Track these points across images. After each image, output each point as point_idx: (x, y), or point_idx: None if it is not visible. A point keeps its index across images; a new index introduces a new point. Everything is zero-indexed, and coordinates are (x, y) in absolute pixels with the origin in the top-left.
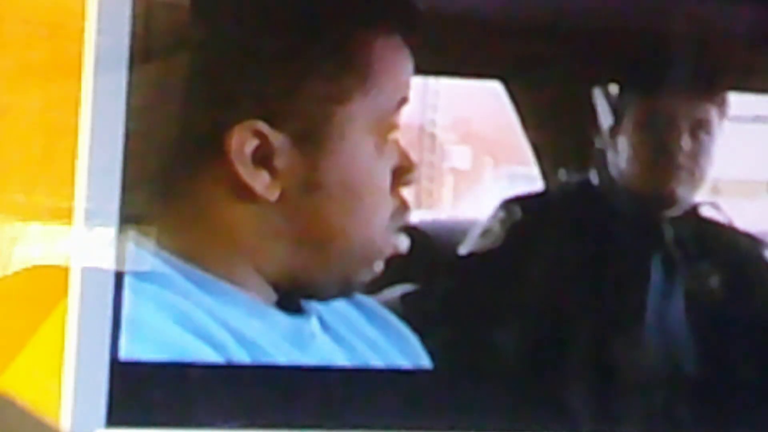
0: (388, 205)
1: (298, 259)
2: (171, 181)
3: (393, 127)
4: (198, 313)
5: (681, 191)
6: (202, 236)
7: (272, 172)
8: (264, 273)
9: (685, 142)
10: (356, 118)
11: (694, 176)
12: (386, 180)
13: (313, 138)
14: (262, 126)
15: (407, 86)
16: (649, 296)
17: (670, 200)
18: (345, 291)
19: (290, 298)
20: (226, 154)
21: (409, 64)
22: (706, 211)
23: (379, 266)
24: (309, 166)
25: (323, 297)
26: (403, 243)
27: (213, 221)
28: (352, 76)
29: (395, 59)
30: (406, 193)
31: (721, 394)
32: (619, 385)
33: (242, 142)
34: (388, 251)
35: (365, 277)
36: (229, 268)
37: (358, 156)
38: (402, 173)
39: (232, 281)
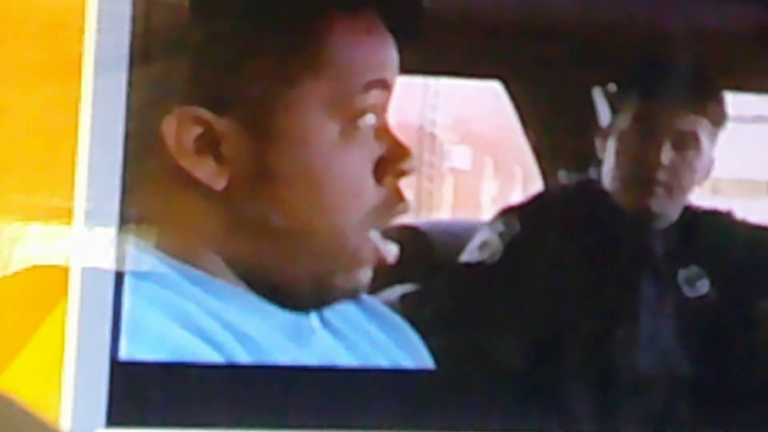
0: (366, 197)
1: (265, 254)
2: (136, 177)
3: (364, 111)
4: (197, 313)
5: (657, 207)
6: (178, 232)
7: (219, 159)
8: (236, 270)
9: (665, 157)
10: (310, 102)
11: (672, 193)
12: (362, 169)
13: (261, 123)
14: (203, 112)
15: (382, 68)
16: (644, 300)
17: (647, 215)
18: (322, 297)
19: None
20: (164, 143)
21: (384, 45)
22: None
23: (363, 274)
24: (259, 153)
25: (298, 302)
26: (391, 250)
27: (177, 215)
28: (301, 56)
29: (361, 39)
30: (405, 188)
31: (717, 394)
32: (617, 386)
33: (179, 129)
34: (370, 255)
35: (346, 283)
36: (209, 265)
37: (317, 142)
38: (392, 162)
39: (221, 278)
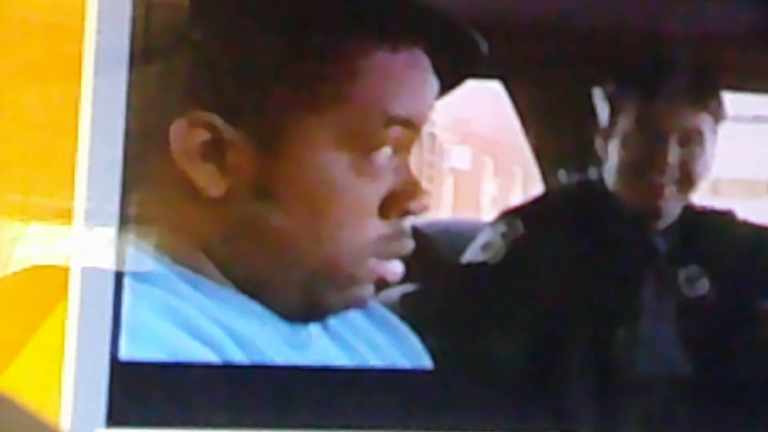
0: (368, 230)
1: (254, 264)
2: (136, 177)
3: (380, 145)
4: (197, 315)
5: (665, 206)
6: (176, 234)
7: (221, 167)
8: (229, 277)
9: (673, 155)
10: (327, 132)
11: (680, 190)
12: (367, 203)
13: (272, 141)
14: (215, 119)
15: (411, 108)
16: (645, 300)
17: (654, 214)
18: (312, 312)
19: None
20: (169, 145)
21: (421, 86)
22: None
23: (361, 291)
24: (263, 169)
25: (287, 314)
26: (396, 269)
27: (175, 217)
28: (329, 85)
29: (397, 76)
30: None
31: (716, 394)
32: (618, 386)
33: (188, 132)
34: (369, 279)
35: (337, 301)
36: (204, 268)
37: (324, 171)
38: (401, 200)
39: (216, 282)
